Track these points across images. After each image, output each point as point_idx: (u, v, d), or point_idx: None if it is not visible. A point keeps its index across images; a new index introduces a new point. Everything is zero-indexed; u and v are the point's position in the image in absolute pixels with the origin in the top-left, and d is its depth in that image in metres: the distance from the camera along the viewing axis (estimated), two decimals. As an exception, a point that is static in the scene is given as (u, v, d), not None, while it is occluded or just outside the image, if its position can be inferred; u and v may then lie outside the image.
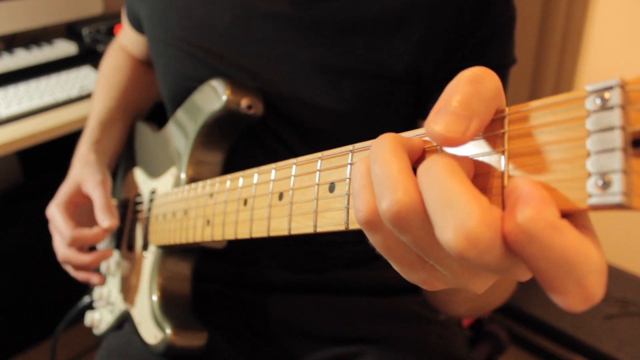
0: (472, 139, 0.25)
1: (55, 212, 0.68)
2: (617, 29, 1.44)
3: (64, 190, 0.70)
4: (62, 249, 0.68)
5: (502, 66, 0.59)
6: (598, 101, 0.22)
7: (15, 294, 1.31)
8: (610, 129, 0.21)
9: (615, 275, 1.44)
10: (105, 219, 0.65)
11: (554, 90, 1.59)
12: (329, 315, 0.69)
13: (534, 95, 1.63)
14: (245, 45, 0.61)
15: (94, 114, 0.79)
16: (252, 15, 0.60)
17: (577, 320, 1.32)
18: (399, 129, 0.63)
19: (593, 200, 0.21)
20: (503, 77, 0.60)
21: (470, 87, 0.25)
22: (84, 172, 0.70)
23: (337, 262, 0.69)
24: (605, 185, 0.21)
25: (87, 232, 0.65)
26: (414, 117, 0.62)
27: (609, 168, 0.21)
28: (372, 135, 0.62)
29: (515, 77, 0.61)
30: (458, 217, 0.22)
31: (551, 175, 0.23)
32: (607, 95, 0.21)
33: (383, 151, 0.27)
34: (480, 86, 0.25)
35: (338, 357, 0.67)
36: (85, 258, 0.66)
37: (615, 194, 0.21)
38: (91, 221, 0.69)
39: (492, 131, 0.26)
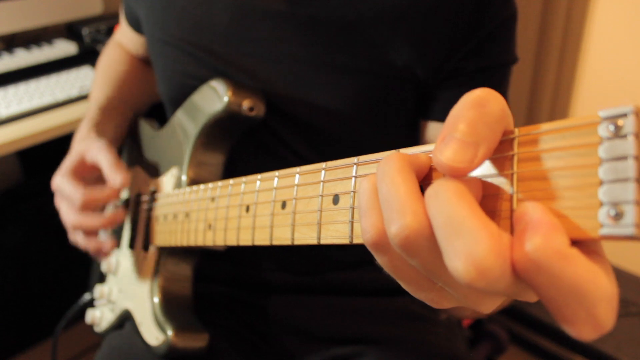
0: (480, 165, 0.24)
1: (62, 180, 0.66)
2: (617, 29, 1.44)
3: (68, 162, 0.68)
4: (71, 215, 0.66)
5: (504, 64, 0.59)
6: (611, 128, 0.21)
7: (15, 294, 1.31)
8: (623, 158, 0.21)
9: (615, 275, 1.43)
10: (117, 176, 0.63)
11: (554, 90, 1.59)
12: (329, 316, 0.69)
13: (534, 95, 1.63)
14: (243, 44, 0.61)
15: (93, 101, 0.78)
16: (250, 14, 0.60)
17: (577, 320, 1.32)
18: (400, 128, 0.64)
19: (605, 231, 0.21)
20: (505, 75, 0.60)
21: (474, 112, 0.24)
22: (86, 143, 0.68)
23: (338, 263, 0.69)
24: (618, 216, 0.20)
25: (99, 192, 0.63)
26: (416, 115, 0.62)
27: (622, 199, 0.20)
28: (373, 133, 0.63)
29: (515, 77, 0.61)
30: (467, 245, 0.22)
31: (561, 202, 0.23)
32: (620, 122, 0.21)
33: (391, 171, 0.26)
34: (485, 109, 0.24)
35: (338, 357, 0.67)
36: (98, 219, 0.64)
37: (628, 226, 0.20)
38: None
39: (501, 152, 0.25)
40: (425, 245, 0.25)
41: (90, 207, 0.65)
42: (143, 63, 0.86)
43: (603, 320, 0.21)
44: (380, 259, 0.28)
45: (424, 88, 0.59)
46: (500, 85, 0.59)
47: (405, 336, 0.68)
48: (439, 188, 0.24)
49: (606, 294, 0.21)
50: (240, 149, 0.65)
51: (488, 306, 0.27)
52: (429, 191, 0.25)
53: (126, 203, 0.76)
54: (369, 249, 0.28)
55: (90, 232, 0.67)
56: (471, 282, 0.22)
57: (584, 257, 0.21)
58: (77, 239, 0.69)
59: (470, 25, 0.55)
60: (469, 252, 0.22)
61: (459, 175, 0.24)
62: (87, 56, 1.22)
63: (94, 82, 0.83)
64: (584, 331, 0.22)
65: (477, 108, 0.25)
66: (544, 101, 1.62)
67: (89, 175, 0.69)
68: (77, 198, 0.64)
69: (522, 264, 0.22)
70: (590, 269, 0.21)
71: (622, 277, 1.43)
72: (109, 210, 0.70)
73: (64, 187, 0.65)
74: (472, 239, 0.22)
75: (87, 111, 0.77)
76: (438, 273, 0.26)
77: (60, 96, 1.04)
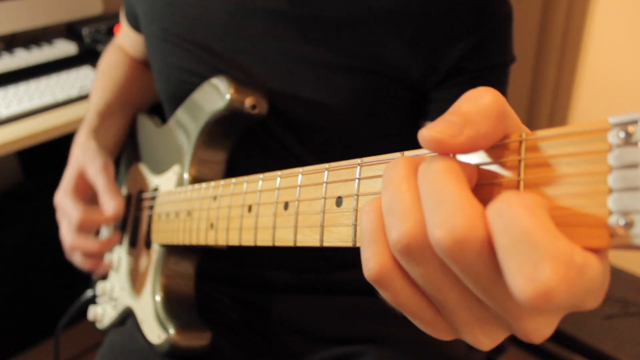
0: (467, 147, 0.24)
1: (63, 198, 0.67)
2: (617, 29, 1.44)
3: (68, 178, 0.69)
4: (70, 235, 0.67)
5: (502, 65, 0.59)
6: (622, 135, 0.20)
7: (15, 293, 1.31)
8: (634, 166, 0.20)
9: (615, 275, 1.44)
10: (111, 203, 0.64)
11: (554, 90, 1.59)
12: (330, 315, 0.69)
13: (534, 95, 1.63)
14: (239, 42, 0.61)
15: (92, 106, 0.78)
16: (246, 11, 0.60)
17: (577, 320, 1.32)
18: (398, 128, 0.64)
19: (615, 241, 0.20)
20: (503, 75, 0.60)
21: (467, 102, 0.25)
22: (85, 157, 0.69)
23: (339, 263, 0.69)
24: (628, 225, 0.20)
25: (96, 215, 0.65)
26: (415, 117, 0.62)
27: (632, 208, 0.20)
28: (368, 132, 0.63)
29: (515, 77, 0.62)
30: (446, 214, 0.22)
31: (569, 210, 0.22)
32: (631, 129, 0.20)
33: (397, 178, 0.26)
34: (478, 100, 0.25)
35: (339, 356, 0.67)
36: (94, 244, 0.66)
37: (638, 236, 0.20)
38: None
39: (508, 157, 0.25)
40: (428, 253, 0.24)
41: (86, 227, 0.66)
42: (143, 65, 0.86)
43: (545, 279, 0.20)
44: (384, 294, 0.28)
45: (421, 88, 0.59)
46: (499, 85, 0.60)
47: (405, 336, 0.68)
48: (430, 163, 0.24)
49: (559, 254, 0.20)
50: (235, 147, 0.65)
51: (487, 342, 0.26)
52: (421, 166, 0.25)
53: (128, 199, 0.76)
54: (372, 283, 0.27)
55: (87, 255, 0.69)
56: (443, 240, 0.22)
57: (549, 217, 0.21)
58: (74, 258, 0.70)
59: (467, 26, 0.55)
60: (446, 220, 0.22)
61: (443, 150, 0.24)
62: (87, 56, 1.22)
63: (93, 87, 0.83)
64: (520, 284, 0.20)
65: (470, 100, 0.25)
66: (544, 101, 1.62)
67: (89, 190, 0.70)
68: (75, 217, 0.65)
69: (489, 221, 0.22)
70: (550, 227, 0.21)
71: (622, 277, 1.43)
72: (104, 233, 0.71)
73: (65, 204, 0.67)
74: (451, 209, 0.22)
75: (86, 117, 0.77)
76: (441, 287, 0.25)
77: (60, 96, 1.04)
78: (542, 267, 0.20)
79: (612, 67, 1.47)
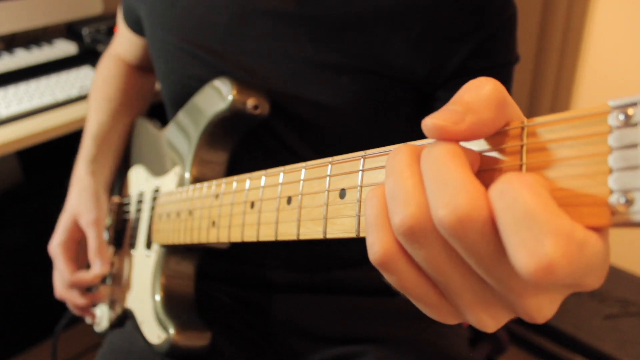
0: (469, 134, 0.25)
1: (57, 253, 0.72)
2: (617, 29, 1.44)
3: (63, 226, 0.73)
4: (60, 288, 0.73)
5: (506, 64, 0.59)
6: (621, 117, 0.21)
7: (15, 294, 1.30)
8: (633, 146, 0.21)
9: (615, 275, 1.44)
10: (97, 264, 0.68)
11: (554, 90, 1.59)
12: (330, 315, 0.69)
13: (534, 95, 1.63)
14: (243, 43, 0.61)
15: (87, 130, 0.79)
16: (250, 13, 0.60)
17: (577, 320, 1.32)
18: (402, 128, 0.64)
19: (616, 218, 0.21)
20: (508, 74, 0.60)
21: (468, 92, 0.26)
22: (80, 205, 0.72)
23: (339, 262, 0.69)
24: (629, 203, 0.21)
25: (85, 277, 0.69)
26: (419, 117, 0.62)
27: (632, 186, 0.21)
28: (372, 133, 0.63)
29: (515, 77, 0.62)
30: (450, 194, 0.23)
31: (571, 191, 0.23)
32: (630, 111, 0.21)
33: (399, 165, 0.26)
34: (479, 90, 0.25)
35: (339, 356, 0.67)
36: (82, 300, 0.72)
37: (638, 213, 0.20)
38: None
39: (510, 143, 0.25)
40: (431, 235, 0.25)
41: (76, 287, 0.71)
42: (139, 72, 0.86)
43: (547, 253, 0.21)
44: (389, 278, 0.28)
45: (427, 88, 0.59)
46: (503, 84, 0.59)
47: (405, 336, 0.68)
48: (432, 147, 0.25)
49: (560, 229, 0.21)
50: (238, 148, 0.65)
51: (490, 322, 0.27)
52: (424, 152, 0.25)
53: (128, 201, 0.76)
54: (378, 268, 0.28)
55: (75, 307, 0.75)
56: (446, 219, 0.23)
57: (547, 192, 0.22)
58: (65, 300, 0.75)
59: (471, 25, 0.55)
60: (450, 200, 0.22)
61: (445, 137, 0.25)
62: (87, 56, 1.22)
63: (89, 105, 0.83)
64: (523, 258, 0.21)
65: (471, 90, 0.26)
66: (544, 101, 1.62)
67: (81, 236, 0.73)
68: (66, 279, 0.70)
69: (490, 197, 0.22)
70: (551, 204, 0.21)
71: (622, 277, 1.43)
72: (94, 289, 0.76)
73: (58, 261, 0.72)
74: (454, 190, 0.22)
75: (82, 143, 0.78)
76: (444, 268, 0.26)
77: (60, 96, 1.04)
78: (544, 242, 0.21)
79: (612, 67, 1.47)
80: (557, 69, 1.56)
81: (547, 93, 1.60)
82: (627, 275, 1.44)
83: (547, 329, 1.35)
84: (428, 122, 0.25)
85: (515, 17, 0.58)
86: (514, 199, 0.21)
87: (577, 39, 1.50)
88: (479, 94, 0.25)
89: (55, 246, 0.72)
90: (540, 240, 0.21)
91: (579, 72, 1.53)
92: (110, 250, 0.76)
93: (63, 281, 0.71)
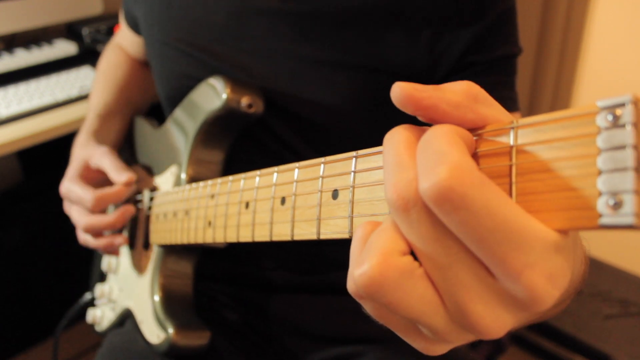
0: (430, 104, 0.25)
1: (70, 185, 0.68)
2: (617, 29, 1.44)
3: (73, 168, 0.70)
4: (83, 217, 0.67)
5: (508, 57, 0.58)
6: (610, 118, 0.21)
7: (15, 294, 1.31)
8: (621, 147, 0.21)
9: (615, 275, 1.44)
10: (122, 175, 0.65)
11: (554, 90, 1.59)
12: (330, 315, 0.69)
13: (534, 95, 1.63)
14: (239, 42, 0.61)
15: (92, 108, 0.79)
16: (246, 11, 0.60)
17: (577, 320, 1.32)
18: (398, 125, 0.63)
19: (604, 220, 0.21)
20: (511, 67, 0.59)
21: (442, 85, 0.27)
22: (87, 150, 0.70)
23: (338, 263, 0.69)
24: (617, 205, 0.20)
25: (109, 191, 0.65)
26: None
27: (621, 188, 0.20)
28: (370, 130, 0.62)
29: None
30: (431, 161, 0.23)
31: (560, 192, 0.23)
32: (618, 112, 0.21)
33: (396, 143, 0.27)
34: (454, 83, 0.27)
35: (339, 357, 0.67)
36: (110, 217, 0.66)
37: (627, 215, 0.20)
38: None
39: (499, 144, 0.25)
40: (422, 211, 0.24)
41: (101, 206, 0.66)
42: (142, 65, 0.86)
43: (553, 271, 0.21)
44: (366, 306, 0.28)
45: (427, 83, 0.59)
46: (507, 76, 0.59)
47: (405, 336, 0.68)
48: (430, 129, 0.25)
49: (546, 243, 0.21)
50: (235, 146, 0.65)
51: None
52: (422, 136, 0.26)
53: (126, 201, 0.76)
54: (357, 299, 0.28)
55: (103, 229, 0.68)
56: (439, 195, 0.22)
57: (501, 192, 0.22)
58: (88, 239, 0.70)
59: (469, 15, 0.55)
60: (430, 169, 0.22)
61: (412, 103, 0.26)
62: (87, 56, 1.22)
63: (93, 87, 0.83)
64: (529, 278, 0.21)
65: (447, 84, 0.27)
66: (544, 101, 1.62)
67: (94, 179, 0.70)
68: (88, 199, 0.65)
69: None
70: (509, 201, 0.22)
71: (622, 277, 1.43)
72: (111, 210, 0.71)
73: (73, 190, 0.67)
74: (437, 157, 0.23)
75: (86, 119, 0.78)
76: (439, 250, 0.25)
77: (60, 96, 1.04)
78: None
79: (612, 67, 1.47)
80: (557, 68, 1.56)
81: (547, 93, 1.60)
82: (627, 275, 1.44)
83: (547, 329, 1.34)
84: (395, 87, 0.26)
85: (514, 9, 0.57)
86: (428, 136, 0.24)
87: (577, 38, 1.50)
88: (453, 84, 0.26)
89: (67, 182, 0.69)
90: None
91: (579, 71, 1.53)
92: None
93: (86, 207, 0.66)
